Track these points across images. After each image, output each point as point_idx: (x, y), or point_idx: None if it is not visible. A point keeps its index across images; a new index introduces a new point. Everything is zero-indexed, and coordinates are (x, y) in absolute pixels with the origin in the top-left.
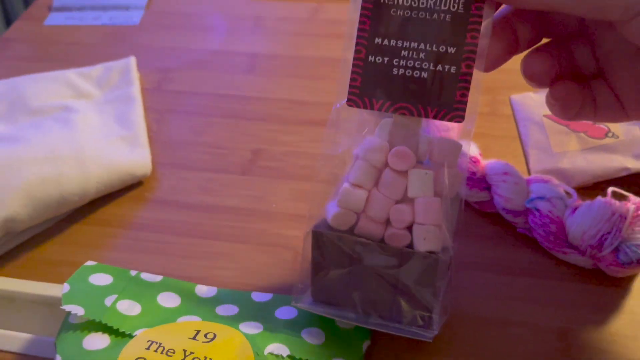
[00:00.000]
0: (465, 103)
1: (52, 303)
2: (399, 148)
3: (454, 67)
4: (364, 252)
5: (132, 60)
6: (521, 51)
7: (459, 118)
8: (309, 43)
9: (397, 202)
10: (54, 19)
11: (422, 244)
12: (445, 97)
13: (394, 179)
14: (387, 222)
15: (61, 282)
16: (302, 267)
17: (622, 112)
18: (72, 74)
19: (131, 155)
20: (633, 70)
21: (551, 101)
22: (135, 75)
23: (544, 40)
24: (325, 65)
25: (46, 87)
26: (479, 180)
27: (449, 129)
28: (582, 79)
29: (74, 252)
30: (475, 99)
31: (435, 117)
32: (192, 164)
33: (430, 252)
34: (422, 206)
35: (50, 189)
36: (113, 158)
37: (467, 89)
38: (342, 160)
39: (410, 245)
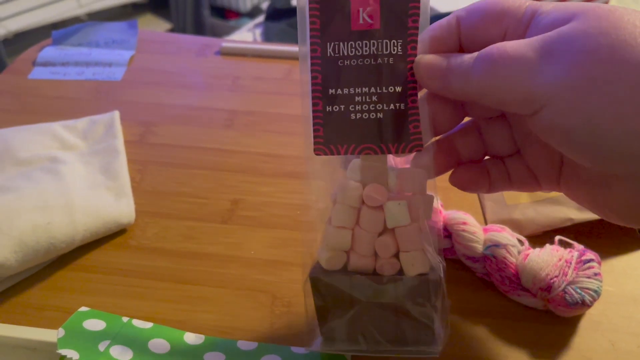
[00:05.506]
0: (420, 133)
1: (37, 347)
2: (371, 186)
3: (403, 104)
4: (360, 288)
5: (116, 114)
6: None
7: (419, 147)
8: (283, 101)
9: (380, 234)
10: (38, 73)
11: (411, 270)
12: (401, 132)
13: (372, 214)
14: (375, 254)
15: (48, 326)
16: (307, 311)
17: (536, 184)
18: (58, 126)
19: (116, 204)
20: (544, 151)
21: (451, 183)
22: (119, 128)
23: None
24: (298, 121)
25: (33, 138)
26: (441, 229)
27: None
28: (497, 158)
29: (60, 297)
30: (426, 129)
31: (397, 152)
32: (174, 213)
33: (421, 275)
34: (402, 235)
35: (40, 236)
36: (99, 207)
37: (418, 121)
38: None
39: (401, 271)
